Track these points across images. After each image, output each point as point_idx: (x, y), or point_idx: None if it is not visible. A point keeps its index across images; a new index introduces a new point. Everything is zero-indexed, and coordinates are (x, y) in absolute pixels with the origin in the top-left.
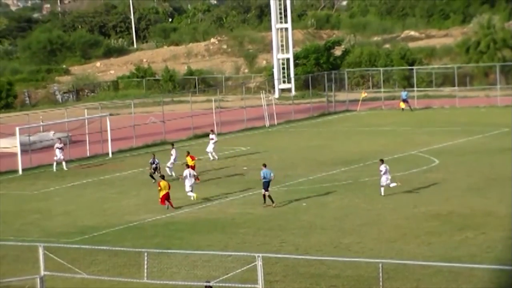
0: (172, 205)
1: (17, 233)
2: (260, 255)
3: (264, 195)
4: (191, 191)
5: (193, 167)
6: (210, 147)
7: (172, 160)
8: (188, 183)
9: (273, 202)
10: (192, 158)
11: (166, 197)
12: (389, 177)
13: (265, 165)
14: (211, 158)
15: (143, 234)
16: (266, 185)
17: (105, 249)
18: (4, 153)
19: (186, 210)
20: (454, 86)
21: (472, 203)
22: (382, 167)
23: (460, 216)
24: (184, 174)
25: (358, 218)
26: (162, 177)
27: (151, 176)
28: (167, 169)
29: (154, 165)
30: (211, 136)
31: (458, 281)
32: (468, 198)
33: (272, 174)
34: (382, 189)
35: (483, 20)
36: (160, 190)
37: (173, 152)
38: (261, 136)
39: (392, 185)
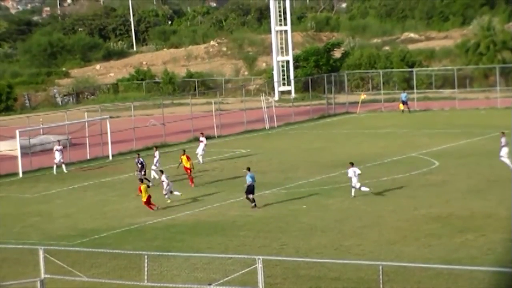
0: (153, 207)
1: (18, 236)
2: (260, 257)
3: (253, 199)
4: (172, 192)
5: (189, 169)
6: (200, 149)
7: (155, 162)
8: (166, 186)
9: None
10: (188, 158)
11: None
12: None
13: (249, 169)
14: (200, 161)
15: (144, 236)
16: (252, 189)
17: (105, 252)
18: (4, 156)
19: (186, 212)
20: (454, 88)
21: (472, 205)
22: (350, 171)
23: (460, 218)
24: (162, 179)
25: (359, 220)
26: (141, 180)
27: (141, 180)
28: (152, 172)
29: (139, 165)
30: (201, 138)
31: (458, 283)
32: (468, 200)
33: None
34: (364, 188)
35: (483, 22)
36: (142, 194)
37: (156, 154)
38: (261, 138)
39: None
